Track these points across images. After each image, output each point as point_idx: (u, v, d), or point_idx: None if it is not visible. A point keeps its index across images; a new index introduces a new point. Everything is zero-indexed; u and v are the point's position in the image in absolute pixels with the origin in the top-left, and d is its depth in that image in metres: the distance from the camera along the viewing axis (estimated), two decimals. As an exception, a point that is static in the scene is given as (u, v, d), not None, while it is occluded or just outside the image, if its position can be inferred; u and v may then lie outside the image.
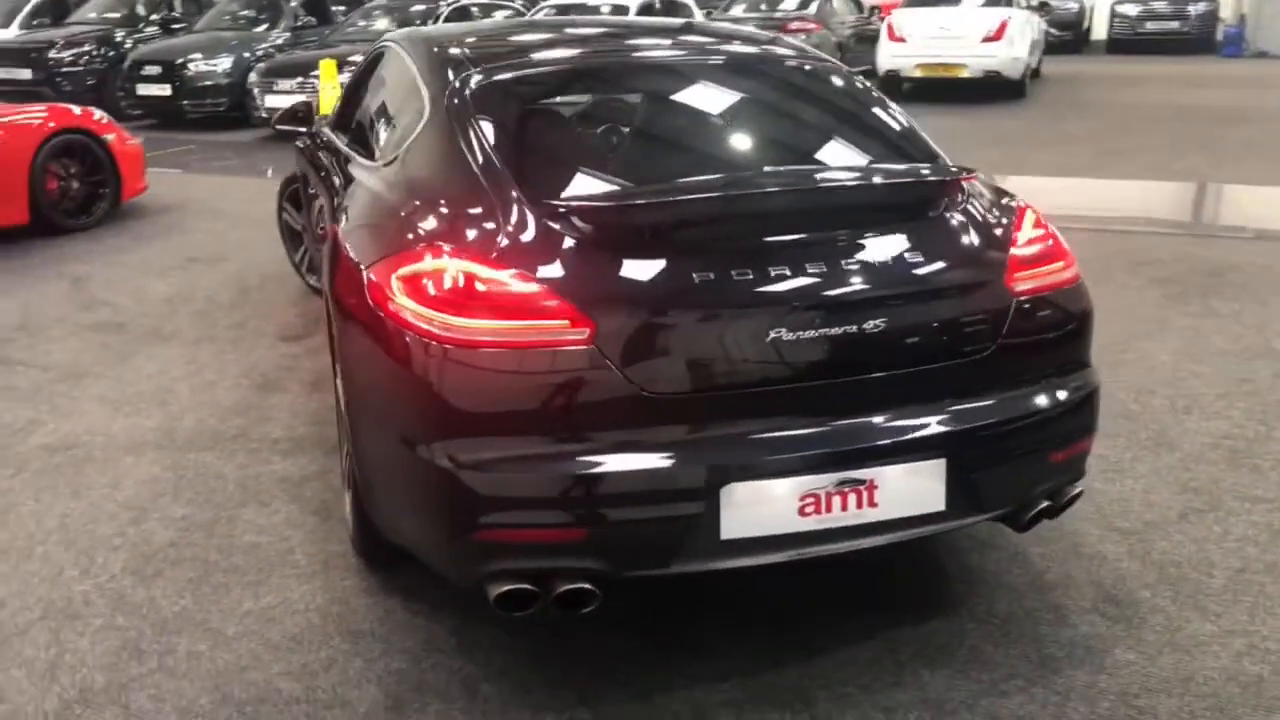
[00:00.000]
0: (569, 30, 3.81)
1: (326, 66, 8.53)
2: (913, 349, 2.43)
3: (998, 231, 2.63)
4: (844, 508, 2.38)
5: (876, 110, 3.08)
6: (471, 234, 2.44)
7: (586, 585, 2.31)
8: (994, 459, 2.51)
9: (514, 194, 2.51)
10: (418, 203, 2.73)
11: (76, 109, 7.70)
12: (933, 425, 2.44)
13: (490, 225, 2.45)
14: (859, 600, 2.91)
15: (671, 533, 2.30)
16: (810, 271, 2.35)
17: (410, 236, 2.55)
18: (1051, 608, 2.86)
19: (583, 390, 2.25)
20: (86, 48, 13.22)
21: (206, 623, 2.85)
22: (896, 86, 13.74)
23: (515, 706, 2.51)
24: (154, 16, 14.38)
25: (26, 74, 13.04)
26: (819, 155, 2.95)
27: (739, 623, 2.80)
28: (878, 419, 2.41)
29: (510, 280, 2.29)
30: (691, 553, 2.33)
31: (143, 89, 12.30)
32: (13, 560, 3.18)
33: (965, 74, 13.05)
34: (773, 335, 2.29)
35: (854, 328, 2.34)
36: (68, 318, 5.53)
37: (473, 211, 2.53)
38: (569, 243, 2.37)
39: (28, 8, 14.92)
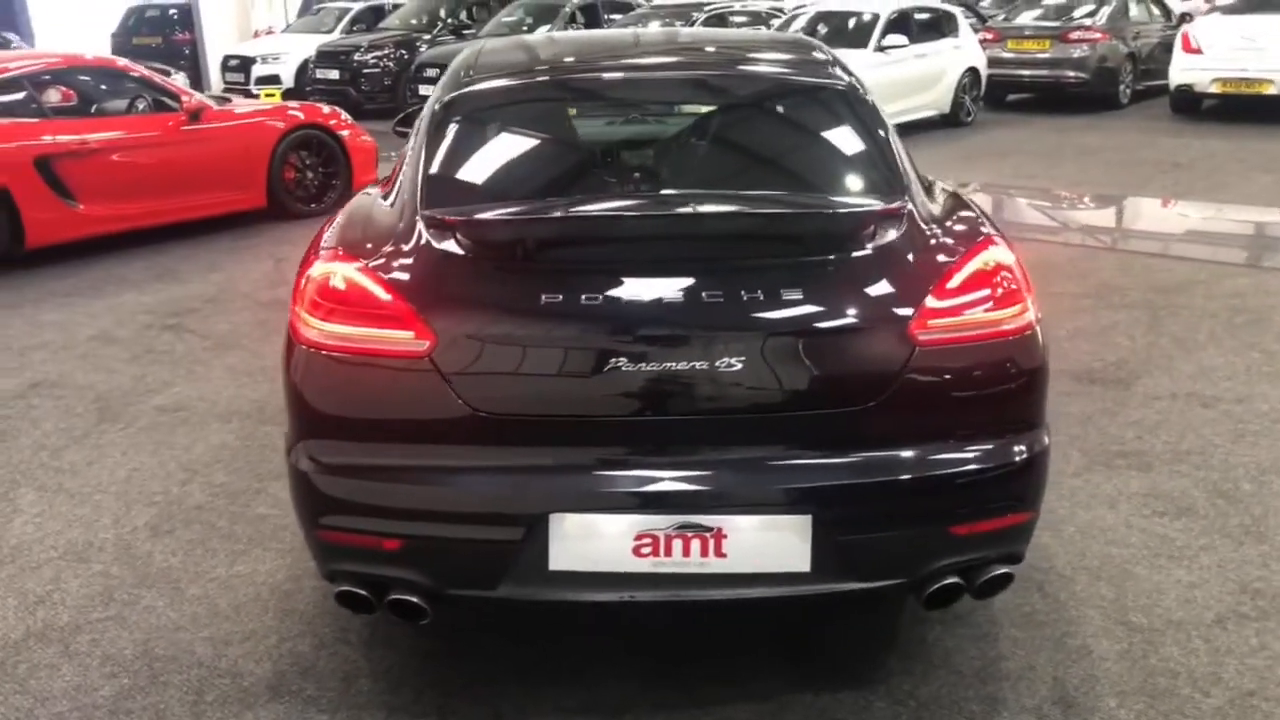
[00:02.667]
0: (600, 45, 3.71)
1: None
2: (778, 394, 2.24)
3: (920, 273, 2.35)
4: (686, 553, 2.24)
5: (859, 135, 2.82)
6: (371, 242, 2.51)
7: (413, 598, 2.32)
8: (870, 524, 2.26)
9: (418, 206, 2.55)
10: (370, 208, 2.83)
11: (325, 108, 8.54)
12: (797, 478, 2.24)
13: (389, 235, 2.51)
14: (776, 653, 2.71)
15: (494, 557, 2.25)
16: (665, 301, 2.23)
17: (337, 239, 2.65)
18: (986, 700, 2.53)
19: (415, 403, 2.26)
20: (386, 51, 14.53)
21: (177, 582, 3.11)
22: (1193, 104, 12.39)
23: (376, 706, 2.56)
24: (450, 21, 15.60)
25: (335, 75, 14.55)
26: (751, 182, 2.76)
27: (632, 657, 2.70)
28: (731, 464, 2.24)
29: (373, 289, 2.33)
30: (518, 579, 2.27)
31: (424, 89, 13.32)
32: (73, 503, 3.61)
33: (1272, 91, 11.51)
34: (612, 365, 2.19)
35: (703, 365, 2.19)
36: (253, 294, 6.16)
37: (385, 221, 2.61)
38: (438, 257, 2.38)
39: (350, 14, 16.63)
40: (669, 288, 2.25)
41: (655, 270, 2.30)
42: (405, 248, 2.43)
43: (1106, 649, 2.71)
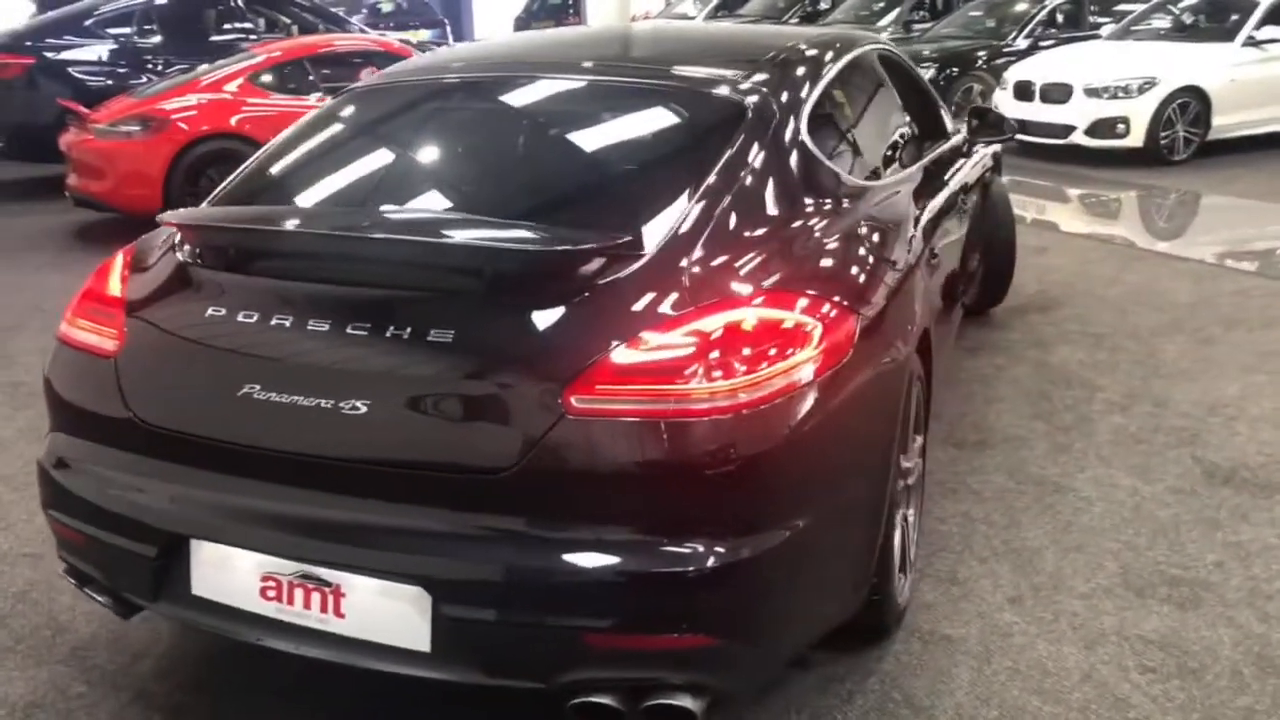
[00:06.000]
0: (524, 50, 3.38)
1: None
2: (401, 446, 1.97)
3: (606, 330, 1.94)
4: (306, 605, 2.05)
5: (682, 163, 2.41)
6: (151, 239, 2.54)
7: (99, 596, 2.33)
8: (489, 612, 1.92)
9: (206, 205, 2.55)
10: None
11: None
12: (412, 545, 1.96)
13: (166, 233, 2.51)
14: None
15: (142, 570, 2.19)
16: (309, 329, 2.04)
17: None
18: None
19: (99, 403, 2.26)
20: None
21: (111, 533, 3.36)
22: None
23: (130, 689, 2.57)
24: (807, 6, 15.39)
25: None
26: (518, 206, 2.42)
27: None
28: (350, 517, 2.01)
29: (113, 287, 2.36)
30: (169, 598, 2.20)
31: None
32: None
33: None
34: (245, 390, 2.04)
35: (328, 403, 1.98)
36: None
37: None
38: (166, 261, 2.37)
39: (706, 8, 16.90)
40: (321, 314, 2.06)
41: (318, 295, 2.11)
42: (160, 248, 2.43)
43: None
